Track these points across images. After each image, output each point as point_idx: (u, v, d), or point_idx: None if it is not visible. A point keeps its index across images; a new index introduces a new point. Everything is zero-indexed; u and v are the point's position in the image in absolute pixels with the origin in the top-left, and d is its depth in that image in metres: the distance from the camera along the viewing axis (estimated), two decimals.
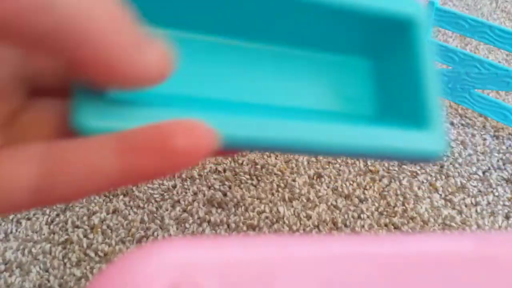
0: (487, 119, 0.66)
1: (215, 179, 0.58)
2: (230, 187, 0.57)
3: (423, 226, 0.52)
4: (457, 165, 0.59)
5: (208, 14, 0.18)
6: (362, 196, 0.55)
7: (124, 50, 0.13)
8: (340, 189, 0.56)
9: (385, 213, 0.53)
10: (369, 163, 0.59)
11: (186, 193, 0.56)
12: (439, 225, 0.52)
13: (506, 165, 0.59)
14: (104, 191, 0.14)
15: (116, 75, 0.13)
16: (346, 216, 0.53)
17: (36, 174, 0.14)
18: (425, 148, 0.20)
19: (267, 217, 0.53)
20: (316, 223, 0.52)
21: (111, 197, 0.56)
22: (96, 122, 0.14)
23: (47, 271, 0.48)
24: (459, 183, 0.57)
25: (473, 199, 0.55)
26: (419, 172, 0.58)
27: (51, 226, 0.52)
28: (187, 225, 0.52)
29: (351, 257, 0.12)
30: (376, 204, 0.54)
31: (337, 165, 0.59)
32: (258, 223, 0.52)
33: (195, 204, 0.55)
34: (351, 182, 0.57)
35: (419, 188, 0.56)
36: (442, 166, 0.59)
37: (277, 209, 0.54)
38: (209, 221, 0.53)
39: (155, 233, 0.52)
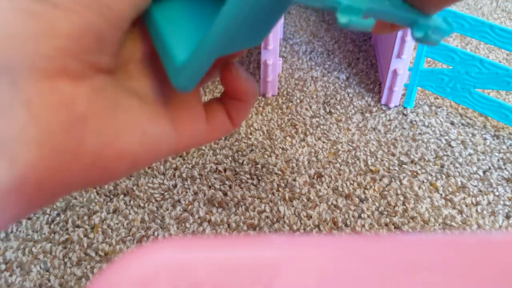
0: (487, 119, 0.66)
1: (215, 178, 0.58)
2: (230, 187, 0.57)
3: (424, 226, 0.52)
4: (457, 165, 0.59)
5: None
6: (363, 196, 0.55)
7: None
8: (341, 189, 0.56)
9: (385, 212, 0.53)
10: (369, 163, 0.59)
11: (186, 192, 0.56)
12: (439, 225, 0.52)
13: (507, 165, 0.59)
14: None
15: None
16: (346, 215, 0.53)
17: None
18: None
19: (267, 217, 0.53)
20: (316, 223, 0.52)
21: (111, 196, 0.56)
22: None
23: (47, 270, 0.48)
24: (459, 183, 0.57)
25: (473, 198, 0.55)
26: (419, 171, 0.58)
27: (52, 226, 0.52)
28: (187, 225, 0.52)
29: (351, 257, 0.12)
30: (377, 204, 0.54)
31: (338, 165, 0.59)
32: (258, 223, 0.52)
33: (196, 203, 0.55)
34: (352, 182, 0.57)
35: (419, 187, 0.56)
36: (442, 166, 0.59)
37: (278, 209, 0.54)
38: (209, 221, 0.53)
39: (156, 233, 0.52)
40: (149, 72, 0.21)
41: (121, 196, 0.56)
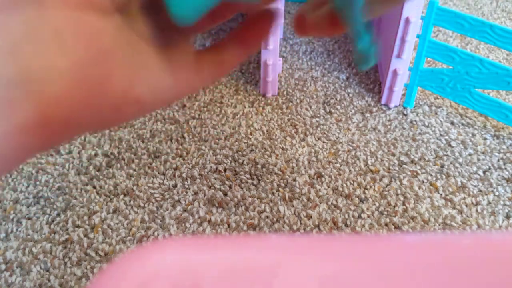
0: (487, 119, 0.66)
1: (215, 178, 0.58)
2: (230, 187, 0.57)
3: (424, 226, 0.52)
4: (457, 165, 0.59)
5: None
6: (363, 196, 0.55)
7: None
8: (341, 189, 0.56)
9: (385, 212, 0.53)
10: (369, 163, 0.59)
11: (186, 192, 0.56)
12: (439, 225, 0.52)
13: (507, 165, 0.59)
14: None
15: None
16: (346, 215, 0.53)
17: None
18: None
19: (267, 217, 0.53)
20: (316, 223, 0.52)
21: (111, 196, 0.56)
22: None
23: (47, 270, 0.48)
24: (459, 183, 0.57)
25: (473, 198, 0.55)
26: (419, 171, 0.58)
27: (52, 226, 0.52)
28: (187, 225, 0.52)
29: (351, 257, 0.12)
30: (377, 204, 0.54)
31: (338, 165, 0.59)
32: (258, 223, 0.52)
33: (196, 203, 0.55)
34: (352, 182, 0.57)
35: (419, 187, 0.56)
36: (442, 166, 0.59)
37: (278, 209, 0.54)
38: (209, 221, 0.53)
39: (156, 233, 0.52)
40: (149, 16, 0.20)
41: (121, 196, 0.56)
